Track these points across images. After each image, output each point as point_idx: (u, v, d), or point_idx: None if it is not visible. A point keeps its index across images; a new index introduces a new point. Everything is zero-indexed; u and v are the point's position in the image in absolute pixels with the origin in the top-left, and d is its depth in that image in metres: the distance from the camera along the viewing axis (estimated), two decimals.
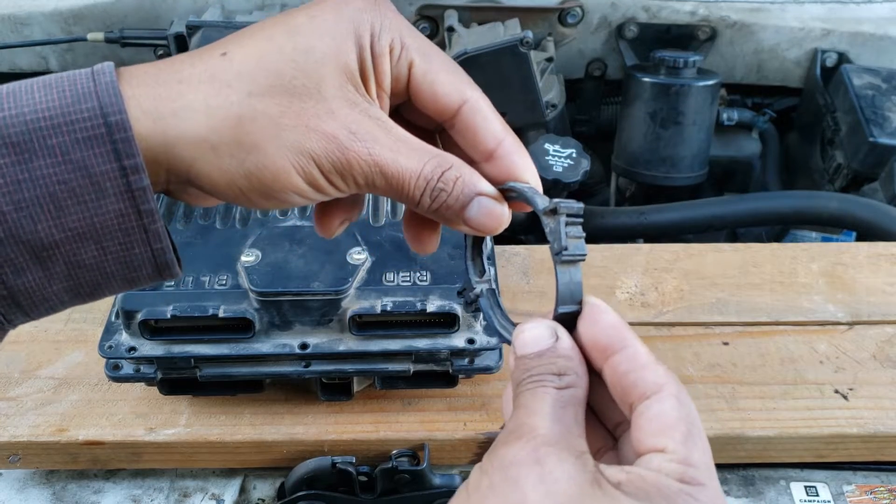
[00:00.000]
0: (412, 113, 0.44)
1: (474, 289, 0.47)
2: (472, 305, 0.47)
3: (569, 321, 0.40)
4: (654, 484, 0.34)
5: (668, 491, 0.34)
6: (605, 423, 0.42)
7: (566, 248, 0.38)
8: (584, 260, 0.39)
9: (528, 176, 0.42)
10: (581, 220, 0.39)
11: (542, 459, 0.34)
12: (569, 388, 0.38)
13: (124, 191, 0.35)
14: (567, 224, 0.38)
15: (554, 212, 0.39)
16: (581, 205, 0.39)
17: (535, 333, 0.39)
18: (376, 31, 0.39)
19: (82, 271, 0.37)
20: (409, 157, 0.39)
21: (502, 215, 0.41)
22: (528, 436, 0.36)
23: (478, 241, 0.48)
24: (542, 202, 0.39)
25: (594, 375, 0.40)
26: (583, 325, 0.40)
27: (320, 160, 0.38)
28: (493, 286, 0.47)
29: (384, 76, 0.40)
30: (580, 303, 0.40)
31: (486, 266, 0.47)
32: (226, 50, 0.38)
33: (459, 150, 0.43)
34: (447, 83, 0.41)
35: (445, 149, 0.42)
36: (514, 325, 0.44)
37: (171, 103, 0.36)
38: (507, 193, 0.42)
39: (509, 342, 0.42)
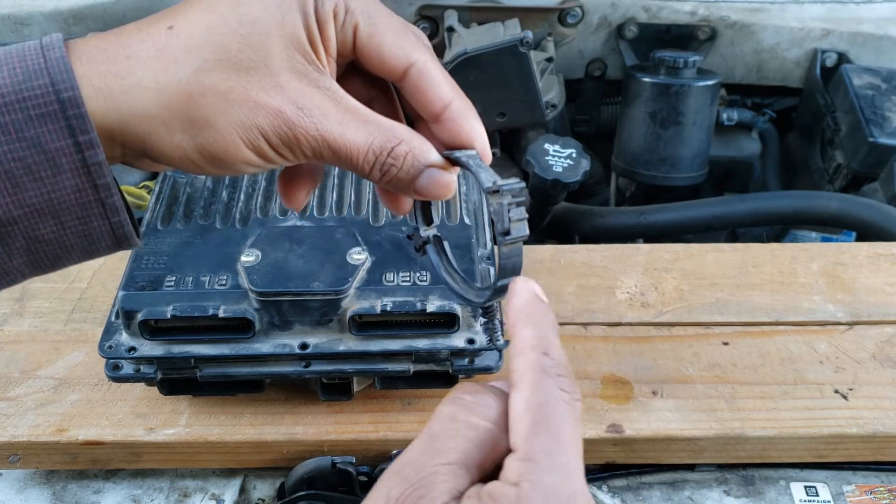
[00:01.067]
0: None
1: (422, 236, 0.48)
2: (420, 251, 0.49)
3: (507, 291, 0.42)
4: (495, 496, 0.34)
5: (504, 500, 0.33)
6: None
7: (509, 233, 0.40)
8: (525, 240, 0.41)
9: (475, 140, 0.43)
10: (523, 199, 0.40)
11: None
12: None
13: (80, 166, 0.36)
14: (509, 206, 0.40)
15: (497, 192, 0.40)
16: (523, 184, 0.40)
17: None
18: None
19: (41, 246, 0.38)
20: (358, 131, 0.40)
21: (451, 183, 0.43)
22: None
23: None
24: (487, 179, 0.40)
25: None
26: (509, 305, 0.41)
27: (268, 135, 0.38)
28: (440, 234, 0.49)
29: (330, 42, 0.40)
30: (519, 274, 0.42)
31: (434, 215, 0.49)
32: (172, 23, 0.38)
33: (411, 107, 0.44)
34: (393, 46, 0.41)
35: (402, 97, 0.43)
36: (460, 273, 0.47)
37: (122, 80, 0.37)
38: (454, 161, 0.43)
39: (453, 290, 0.45)
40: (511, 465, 0.35)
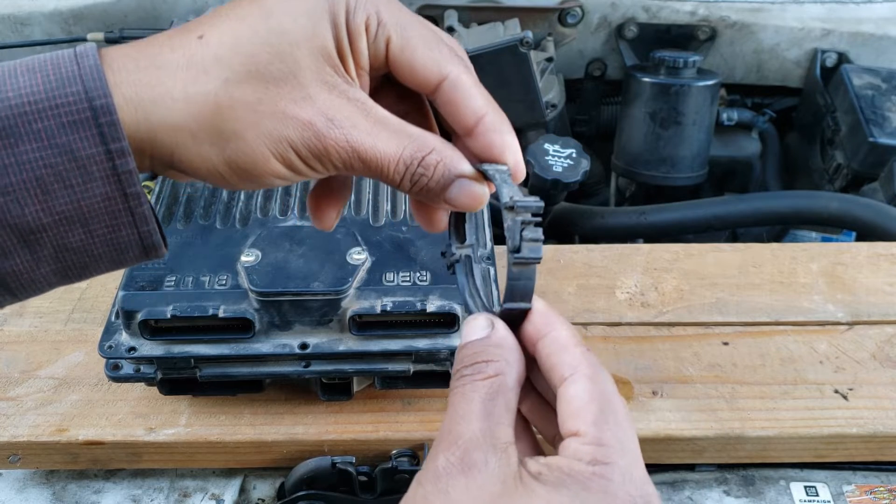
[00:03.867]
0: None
1: (454, 254, 0.47)
2: (451, 270, 0.47)
3: (515, 318, 0.41)
4: (567, 470, 0.36)
5: (580, 476, 0.36)
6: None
7: (519, 251, 0.38)
8: (538, 263, 0.39)
9: (507, 155, 0.42)
10: (540, 219, 0.39)
11: (468, 466, 0.36)
12: (497, 375, 0.39)
13: (110, 174, 0.36)
14: (524, 224, 0.38)
15: (512, 209, 0.38)
16: (541, 204, 0.39)
17: (474, 324, 0.41)
18: (351, 7, 0.39)
19: (70, 254, 0.38)
20: (389, 141, 0.39)
21: (483, 195, 0.42)
22: (455, 444, 0.37)
23: None
24: (507, 194, 0.39)
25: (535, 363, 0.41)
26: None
27: (297, 147, 0.38)
28: (471, 254, 0.48)
29: (361, 55, 0.40)
30: (530, 301, 0.40)
31: (468, 233, 0.48)
32: (202, 32, 0.38)
33: (445, 122, 0.43)
34: (425, 59, 0.41)
35: (436, 111, 0.43)
36: (482, 298, 0.45)
37: (151, 90, 0.36)
38: (482, 173, 0.42)
39: (471, 313, 0.44)
40: (579, 448, 0.37)
